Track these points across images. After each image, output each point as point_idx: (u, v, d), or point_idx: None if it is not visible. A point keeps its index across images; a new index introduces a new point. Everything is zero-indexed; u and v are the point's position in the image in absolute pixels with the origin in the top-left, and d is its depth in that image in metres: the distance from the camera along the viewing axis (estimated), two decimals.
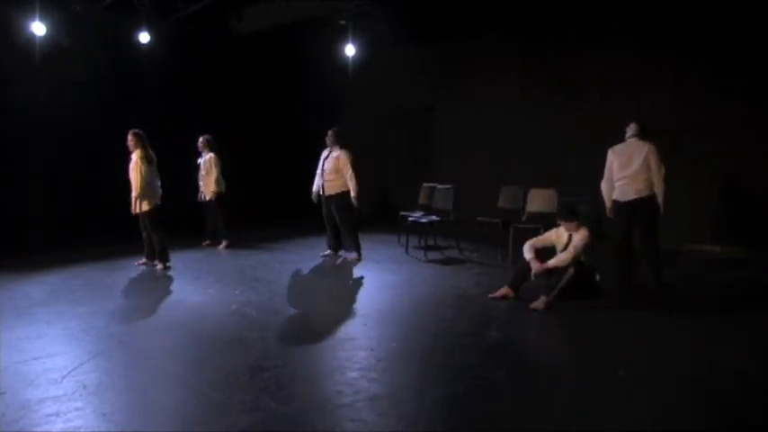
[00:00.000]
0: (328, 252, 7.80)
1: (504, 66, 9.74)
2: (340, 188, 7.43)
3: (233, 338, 4.57)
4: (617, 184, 6.06)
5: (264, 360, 4.06)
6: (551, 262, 5.51)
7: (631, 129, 6.03)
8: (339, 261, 7.55)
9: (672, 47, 7.84)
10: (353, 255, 7.63)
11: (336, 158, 7.40)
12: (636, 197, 5.91)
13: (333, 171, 7.41)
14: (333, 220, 7.62)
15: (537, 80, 9.24)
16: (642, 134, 5.97)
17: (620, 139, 6.16)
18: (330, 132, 7.57)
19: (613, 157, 6.06)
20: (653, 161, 5.82)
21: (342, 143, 7.48)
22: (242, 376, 3.78)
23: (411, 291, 6.11)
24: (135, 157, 6.81)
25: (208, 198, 8.49)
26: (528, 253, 5.66)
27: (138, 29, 8.62)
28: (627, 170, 5.95)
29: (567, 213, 5.73)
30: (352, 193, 7.36)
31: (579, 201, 6.38)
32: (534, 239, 5.85)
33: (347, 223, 7.54)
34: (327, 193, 7.50)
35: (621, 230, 6.09)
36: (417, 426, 3.17)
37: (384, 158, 11.38)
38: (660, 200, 5.88)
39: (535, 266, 5.53)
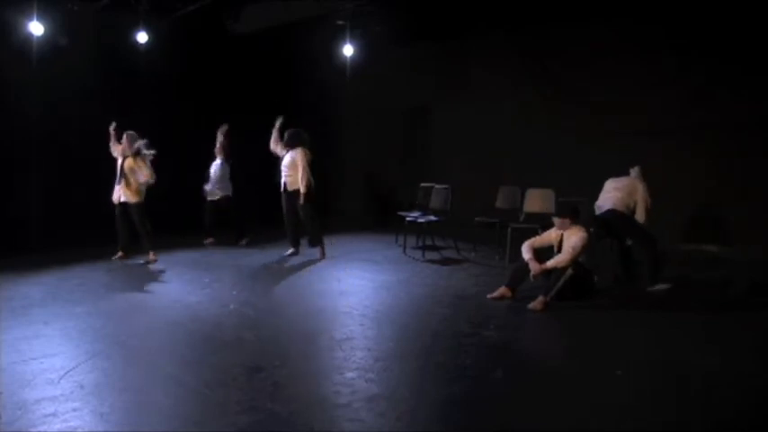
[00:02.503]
0: (291, 250, 7.76)
1: (502, 66, 9.73)
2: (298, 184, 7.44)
3: (230, 338, 4.56)
4: (597, 203, 6.43)
5: (262, 360, 4.05)
6: (550, 263, 5.50)
7: (634, 171, 6.42)
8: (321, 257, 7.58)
9: (671, 48, 7.83)
10: (318, 252, 7.64)
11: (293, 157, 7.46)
12: (610, 207, 6.21)
13: (290, 167, 7.47)
14: (292, 216, 7.61)
15: (535, 81, 9.24)
16: (640, 176, 6.38)
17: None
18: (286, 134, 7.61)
19: (608, 182, 6.46)
20: (640, 190, 6.20)
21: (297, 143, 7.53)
22: (239, 376, 3.77)
23: (409, 291, 6.10)
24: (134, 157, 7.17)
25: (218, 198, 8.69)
26: (526, 253, 5.66)
27: (136, 28, 8.60)
28: (611, 186, 6.36)
29: (563, 210, 5.73)
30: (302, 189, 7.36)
31: (577, 201, 6.40)
32: (532, 239, 5.85)
33: (310, 219, 7.52)
34: (290, 188, 7.51)
35: (611, 238, 6.43)
36: (415, 425, 3.17)
37: (382, 158, 11.38)
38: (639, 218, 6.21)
39: (533, 267, 5.53)
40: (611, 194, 6.29)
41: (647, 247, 6.06)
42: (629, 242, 6.38)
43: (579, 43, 8.75)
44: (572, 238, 5.51)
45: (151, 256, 7.26)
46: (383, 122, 11.26)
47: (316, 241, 7.70)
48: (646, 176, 6.39)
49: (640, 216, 6.17)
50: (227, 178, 8.75)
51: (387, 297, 5.89)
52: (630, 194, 6.21)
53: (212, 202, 8.70)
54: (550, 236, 5.83)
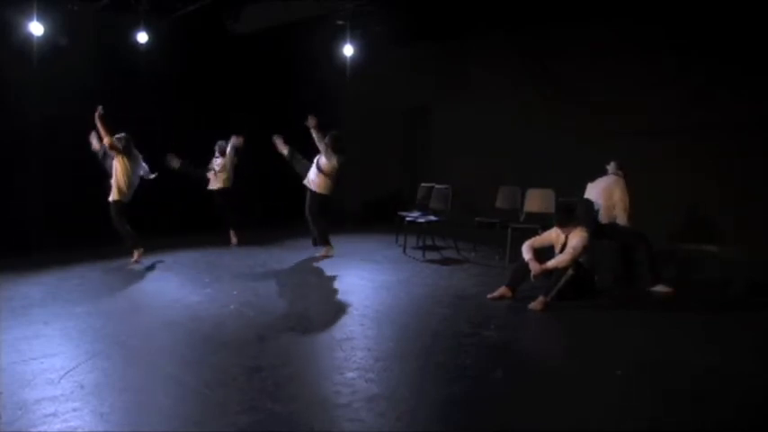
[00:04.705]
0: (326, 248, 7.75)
1: (502, 66, 9.73)
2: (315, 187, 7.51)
3: (231, 338, 4.56)
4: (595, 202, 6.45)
5: (262, 360, 4.06)
6: (550, 263, 5.50)
7: (611, 167, 6.46)
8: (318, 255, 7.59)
9: (671, 48, 7.83)
10: (322, 250, 7.66)
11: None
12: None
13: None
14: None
15: (535, 81, 9.24)
16: (618, 171, 6.41)
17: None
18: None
19: (588, 188, 6.50)
20: (617, 192, 6.22)
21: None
22: (240, 376, 3.77)
23: (409, 291, 6.10)
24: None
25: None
26: (526, 253, 5.65)
27: (136, 28, 8.60)
28: (592, 194, 6.39)
29: (562, 216, 5.73)
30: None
31: (575, 201, 6.40)
32: (533, 239, 5.85)
33: (316, 218, 7.55)
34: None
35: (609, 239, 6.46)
36: (415, 425, 3.17)
37: (382, 158, 11.37)
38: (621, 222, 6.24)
39: (534, 268, 5.52)
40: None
41: (641, 248, 6.06)
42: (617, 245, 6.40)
43: (579, 43, 8.75)
44: (573, 239, 5.51)
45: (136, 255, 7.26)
46: (383, 122, 11.25)
47: (320, 240, 7.68)
48: (625, 170, 6.37)
49: (621, 219, 6.19)
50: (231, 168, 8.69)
51: (387, 297, 5.89)
52: (610, 197, 6.25)
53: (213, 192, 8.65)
54: (551, 236, 5.83)
